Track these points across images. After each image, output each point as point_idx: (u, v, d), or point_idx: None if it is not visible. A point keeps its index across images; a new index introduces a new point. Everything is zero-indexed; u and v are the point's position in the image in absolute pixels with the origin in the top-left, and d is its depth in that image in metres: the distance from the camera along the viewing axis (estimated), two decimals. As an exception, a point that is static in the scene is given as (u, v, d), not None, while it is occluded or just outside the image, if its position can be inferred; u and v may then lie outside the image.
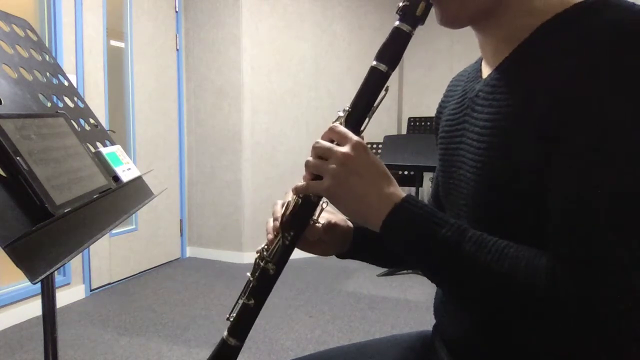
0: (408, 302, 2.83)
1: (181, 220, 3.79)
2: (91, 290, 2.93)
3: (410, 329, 1.03)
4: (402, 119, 4.27)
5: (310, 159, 0.63)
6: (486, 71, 0.69)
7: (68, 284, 2.77)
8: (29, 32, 1.11)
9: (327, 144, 0.62)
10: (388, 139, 3.37)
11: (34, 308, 2.52)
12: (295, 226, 0.67)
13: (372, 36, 3.88)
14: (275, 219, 0.70)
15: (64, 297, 2.72)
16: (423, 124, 4.00)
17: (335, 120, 0.65)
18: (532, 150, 0.54)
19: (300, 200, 0.66)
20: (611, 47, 0.49)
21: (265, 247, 0.69)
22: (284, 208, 0.68)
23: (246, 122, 3.61)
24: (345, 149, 0.60)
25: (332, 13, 3.80)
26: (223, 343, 0.68)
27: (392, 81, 4.70)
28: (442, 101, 0.84)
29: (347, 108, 0.65)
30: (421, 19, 0.62)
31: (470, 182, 0.65)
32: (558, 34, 0.56)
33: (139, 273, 3.34)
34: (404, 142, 3.26)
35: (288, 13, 3.66)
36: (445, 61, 4.08)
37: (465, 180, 0.67)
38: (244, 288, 0.69)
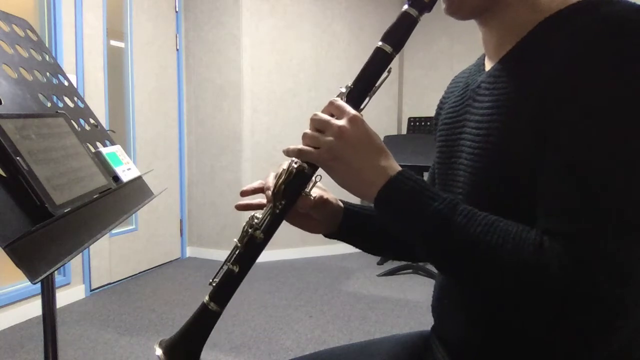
0: (408, 302, 2.83)
1: (181, 220, 3.79)
2: (91, 290, 2.93)
3: (410, 329, 1.03)
4: (402, 119, 4.26)
5: (308, 131, 0.63)
6: (489, 65, 0.70)
7: (68, 284, 2.77)
8: (29, 32, 1.11)
9: (325, 116, 0.62)
10: (388, 139, 3.37)
11: (34, 308, 2.52)
12: (287, 196, 0.66)
13: (372, 36, 3.88)
14: (267, 189, 0.70)
15: (64, 297, 2.72)
16: (423, 124, 4.00)
17: (337, 96, 0.65)
18: (527, 138, 0.56)
19: (294, 171, 0.66)
20: (600, 41, 0.51)
21: (256, 214, 0.69)
22: (277, 178, 0.68)
23: (246, 122, 3.61)
24: (342, 122, 0.61)
25: (332, 13, 3.80)
26: (204, 307, 0.67)
27: (392, 81, 4.70)
28: (443, 97, 0.86)
29: (349, 85, 0.65)
30: (428, 6, 0.64)
31: (468, 169, 0.66)
32: (557, 29, 0.57)
33: (139, 273, 3.34)
34: (404, 142, 3.26)
35: (288, 13, 3.66)
36: (445, 61, 4.07)
37: (463, 169, 0.68)
38: (230, 253, 0.68)
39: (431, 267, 3.34)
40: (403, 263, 3.44)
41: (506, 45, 0.65)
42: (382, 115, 4.05)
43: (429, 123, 3.97)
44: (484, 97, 0.66)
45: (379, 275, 3.32)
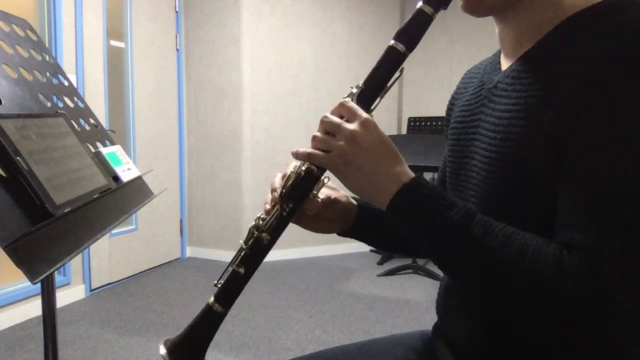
0: (408, 302, 2.83)
1: (181, 220, 3.78)
2: (91, 290, 2.93)
3: (410, 329, 1.03)
4: (402, 119, 4.26)
5: (318, 133, 0.61)
6: (505, 63, 0.68)
7: (68, 284, 2.77)
8: (29, 32, 1.11)
9: (336, 119, 0.60)
10: (388, 139, 3.36)
11: (34, 308, 2.52)
12: (295, 198, 0.65)
13: (372, 36, 3.88)
14: (273, 190, 0.68)
15: (64, 297, 2.72)
16: (423, 124, 4.00)
17: (347, 96, 0.63)
18: (546, 143, 0.54)
19: (302, 173, 0.64)
20: (618, 51, 0.50)
21: (262, 216, 0.67)
22: (284, 180, 0.66)
23: (246, 122, 3.61)
24: (354, 125, 0.59)
25: (332, 13, 3.80)
26: (208, 308, 0.67)
27: (392, 81, 4.71)
28: (455, 93, 0.84)
29: (360, 85, 0.63)
30: (444, 3, 0.61)
31: (482, 172, 0.64)
32: (579, 31, 0.56)
33: (139, 273, 3.34)
34: (404, 142, 3.26)
35: (288, 13, 3.66)
36: (445, 61, 4.07)
37: (476, 171, 0.66)
38: (235, 255, 0.67)
39: (431, 267, 3.34)
40: (403, 263, 3.44)
41: (525, 43, 0.63)
42: (382, 116, 4.04)
43: (429, 123, 3.97)
44: (501, 98, 0.64)
45: (379, 275, 3.32)
